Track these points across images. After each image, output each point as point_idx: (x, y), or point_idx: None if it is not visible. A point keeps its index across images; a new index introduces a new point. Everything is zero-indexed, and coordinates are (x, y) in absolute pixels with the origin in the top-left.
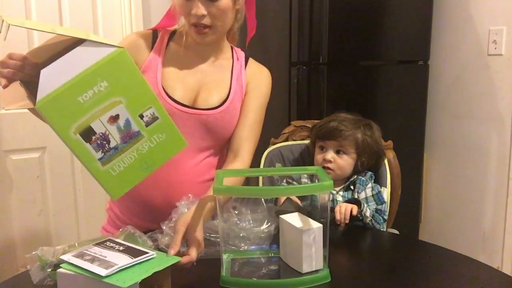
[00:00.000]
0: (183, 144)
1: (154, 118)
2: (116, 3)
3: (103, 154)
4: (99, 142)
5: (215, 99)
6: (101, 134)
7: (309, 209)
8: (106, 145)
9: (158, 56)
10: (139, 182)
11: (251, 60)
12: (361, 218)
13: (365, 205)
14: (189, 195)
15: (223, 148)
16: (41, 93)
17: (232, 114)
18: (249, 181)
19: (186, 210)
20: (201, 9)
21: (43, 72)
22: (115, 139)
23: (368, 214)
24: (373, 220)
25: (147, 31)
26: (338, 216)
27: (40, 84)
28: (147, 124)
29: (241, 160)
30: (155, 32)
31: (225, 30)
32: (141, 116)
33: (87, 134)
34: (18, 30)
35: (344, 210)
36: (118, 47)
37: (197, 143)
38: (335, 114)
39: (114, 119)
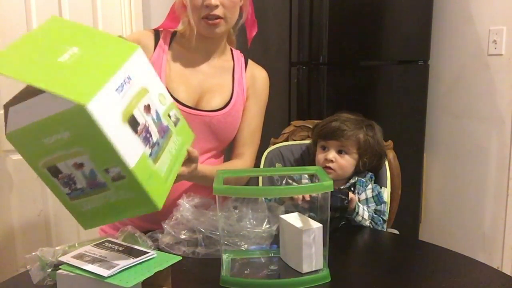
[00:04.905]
0: (153, 208)
1: (121, 177)
2: (116, 3)
3: (70, 191)
4: (65, 180)
5: (218, 101)
6: (67, 175)
7: (309, 208)
8: (73, 185)
9: (162, 56)
10: (110, 223)
11: (250, 62)
12: (358, 221)
13: (362, 207)
14: (191, 193)
15: (224, 150)
16: (10, 127)
17: (235, 116)
18: (249, 181)
19: (188, 206)
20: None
21: (11, 109)
22: (81, 182)
23: (366, 216)
24: (372, 222)
25: (149, 31)
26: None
27: (8, 119)
28: (114, 179)
29: (243, 163)
30: (157, 32)
31: (231, 25)
32: (107, 171)
33: (54, 171)
34: (18, 27)
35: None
36: (79, 103)
37: (200, 145)
38: (337, 114)
39: (79, 166)
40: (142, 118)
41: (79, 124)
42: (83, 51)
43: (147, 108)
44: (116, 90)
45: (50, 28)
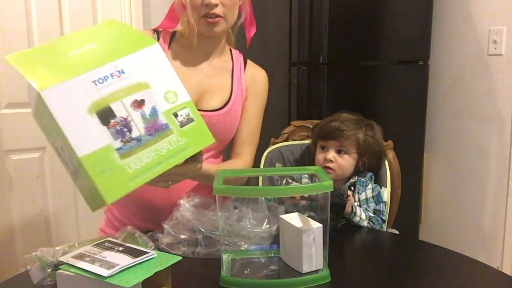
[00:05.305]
0: (101, 201)
1: (79, 165)
2: (116, 3)
3: (70, 171)
4: (62, 161)
5: (217, 101)
6: (63, 157)
7: (309, 208)
8: (67, 166)
9: None
10: (101, 207)
11: (249, 62)
12: (356, 221)
13: (358, 208)
14: (191, 193)
15: (223, 150)
16: (31, 107)
17: (234, 116)
18: (249, 181)
19: (188, 206)
20: None
21: (28, 91)
22: (68, 165)
23: (363, 216)
24: (370, 222)
25: (149, 31)
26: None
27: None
28: (79, 166)
29: (243, 162)
30: (156, 32)
31: (231, 24)
32: (72, 157)
33: (56, 151)
34: (17, 28)
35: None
36: (37, 88)
37: None
38: (336, 114)
39: (62, 149)
40: (123, 111)
41: (44, 110)
42: (96, 47)
43: (138, 103)
44: (94, 81)
45: (96, 28)
